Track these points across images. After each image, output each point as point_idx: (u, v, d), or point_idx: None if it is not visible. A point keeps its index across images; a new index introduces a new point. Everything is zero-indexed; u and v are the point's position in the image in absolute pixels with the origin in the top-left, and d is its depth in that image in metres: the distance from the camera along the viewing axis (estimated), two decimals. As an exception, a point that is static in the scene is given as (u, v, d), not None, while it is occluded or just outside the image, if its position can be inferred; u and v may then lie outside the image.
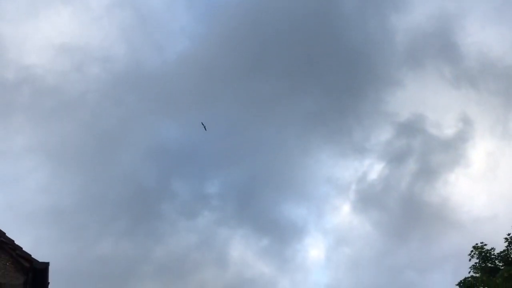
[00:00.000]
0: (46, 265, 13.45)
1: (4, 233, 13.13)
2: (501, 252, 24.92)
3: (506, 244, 24.78)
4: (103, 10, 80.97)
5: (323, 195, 79.39)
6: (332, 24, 79.30)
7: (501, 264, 24.70)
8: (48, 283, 14.02)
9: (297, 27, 79.00)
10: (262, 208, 72.81)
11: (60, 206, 58.88)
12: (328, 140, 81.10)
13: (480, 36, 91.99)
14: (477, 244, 25.46)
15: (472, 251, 25.45)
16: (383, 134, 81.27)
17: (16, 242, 13.08)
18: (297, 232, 71.10)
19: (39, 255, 13.26)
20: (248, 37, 77.33)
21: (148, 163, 71.85)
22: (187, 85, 76.32)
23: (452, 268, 48.25)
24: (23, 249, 13.05)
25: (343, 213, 76.43)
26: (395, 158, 73.07)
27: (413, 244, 63.29)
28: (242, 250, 67.96)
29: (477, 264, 25.14)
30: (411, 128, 74.01)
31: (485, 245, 25.33)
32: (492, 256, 25.02)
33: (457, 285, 25.22)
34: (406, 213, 67.29)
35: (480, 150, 75.47)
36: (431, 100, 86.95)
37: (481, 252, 25.13)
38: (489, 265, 24.89)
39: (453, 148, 72.18)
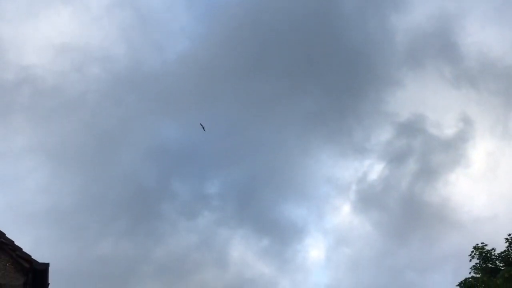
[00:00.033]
0: (46, 265, 13.43)
1: (4, 234, 13.11)
2: (501, 252, 24.90)
3: (507, 244, 24.76)
4: (103, 10, 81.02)
5: (323, 195, 79.39)
6: (332, 24, 79.38)
7: (501, 264, 24.68)
8: (48, 283, 14.00)
9: (297, 27, 79.09)
10: (262, 208, 72.82)
11: (60, 206, 58.88)
12: (328, 140, 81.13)
13: (480, 36, 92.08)
14: (477, 244, 25.46)
15: (472, 251, 25.43)
16: (383, 134, 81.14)
17: (16, 243, 13.06)
18: (297, 232, 71.07)
19: (39, 256, 13.24)
20: (248, 37, 77.39)
21: (148, 163, 71.86)
22: (187, 85, 76.38)
23: (452, 269, 48.25)
24: (23, 249, 13.02)
25: (343, 213, 76.43)
26: (395, 158, 73.05)
27: (413, 244, 63.31)
28: (242, 251, 67.97)
29: (478, 265, 25.13)
30: (411, 128, 74.01)
31: (486, 245, 25.33)
32: (493, 257, 25.01)
33: (457, 285, 25.20)
34: (407, 213, 67.30)
35: (481, 150, 75.45)
36: (431, 100, 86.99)
37: (482, 253, 25.11)
38: (490, 265, 24.87)
39: (453, 148, 72.18)
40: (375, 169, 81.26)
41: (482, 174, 74.28)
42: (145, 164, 70.82)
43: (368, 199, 71.19)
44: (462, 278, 25.16)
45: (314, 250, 78.40)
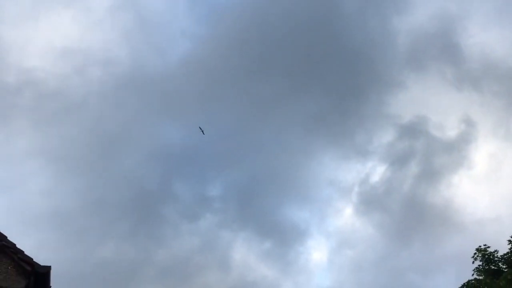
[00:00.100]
0: (48, 268, 13.41)
1: (6, 237, 13.11)
2: (504, 254, 24.80)
3: (510, 246, 24.65)
4: (104, 13, 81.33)
5: (325, 197, 79.45)
6: (334, 26, 79.47)
7: (504, 266, 24.58)
8: (50, 286, 13.98)
9: (298, 29, 79.17)
10: (264, 210, 72.83)
11: (62, 209, 58.96)
12: (330, 142, 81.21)
13: (483, 37, 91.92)
14: (480, 246, 25.36)
15: (475, 253, 25.33)
16: (386, 136, 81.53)
17: (18, 246, 13.07)
18: (300, 234, 71.11)
19: (40, 259, 13.24)
20: (249, 39, 77.50)
21: (150, 165, 71.98)
22: (189, 87, 76.55)
23: (455, 271, 48.08)
24: (25, 252, 13.02)
25: (346, 216, 76.48)
26: (398, 160, 73.09)
27: (415, 246, 63.24)
28: (245, 253, 67.95)
29: (481, 267, 25.02)
30: (413, 130, 74.04)
31: (489, 247, 25.23)
32: (496, 259, 24.91)
33: (460, 287, 25.14)
34: (409, 215, 67.21)
35: (483, 152, 75.43)
36: (433, 102, 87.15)
37: (485, 255, 25.02)
38: (493, 267, 24.77)
39: (455, 150, 72.15)
40: (377, 171, 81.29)
41: (485, 176, 74.34)
42: (147, 166, 71.02)
43: (371, 201, 71.22)
44: (465, 280, 25.10)
45: (316, 252, 78.35)
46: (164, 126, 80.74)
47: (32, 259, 13.01)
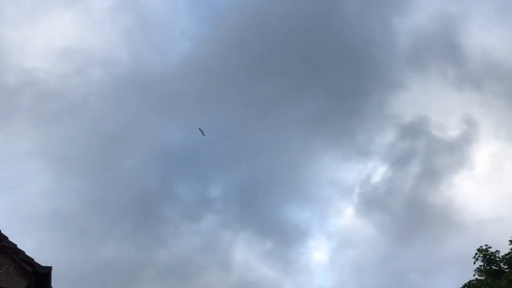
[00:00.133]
0: (48, 269, 13.42)
1: (7, 237, 13.11)
2: (506, 254, 24.74)
3: (511, 246, 24.61)
4: (105, 13, 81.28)
5: (326, 197, 79.45)
6: (335, 26, 79.39)
7: (506, 267, 24.52)
8: (51, 287, 13.98)
9: (299, 29, 79.13)
10: (265, 211, 72.79)
11: (62, 209, 58.93)
12: (331, 142, 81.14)
13: (484, 38, 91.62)
14: (481, 246, 25.31)
15: (476, 253, 25.28)
16: (387, 137, 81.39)
17: (19, 246, 13.07)
18: (301, 234, 71.09)
19: (41, 259, 13.25)
20: (250, 39, 77.47)
21: (151, 166, 71.98)
22: (189, 88, 76.53)
23: (456, 271, 48.04)
24: (26, 253, 13.03)
25: (347, 216, 76.43)
26: (399, 161, 73.05)
27: (417, 246, 63.17)
28: (246, 253, 67.92)
29: (482, 267, 24.97)
30: (414, 130, 73.97)
31: (490, 247, 25.18)
32: (497, 259, 24.86)
33: (461, 288, 25.14)
34: (410, 215, 67.16)
35: (484, 152, 75.30)
36: (434, 102, 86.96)
37: (486, 255, 24.97)
38: (494, 267, 24.72)
39: (457, 150, 72.05)
40: (378, 172, 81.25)
41: (486, 176, 74.20)
42: (147, 167, 71.02)
43: (372, 201, 71.14)
44: (466, 281, 25.06)
45: (317, 252, 78.26)
46: (164, 126, 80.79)
47: (33, 259, 13.01)
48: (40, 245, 44.79)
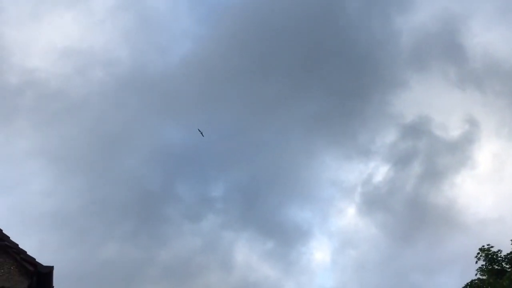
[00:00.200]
0: (50, 269, 13.43)
1: (8, 237, 13.12)
2: (508, 254, 24.74)
3: (513, 246, 24.61)
4: (106, 14, 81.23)
5: (328, 197, 79.21)
6: (336, 25, 79.26)
7: (508, 266, 24.52)
8: (53, 287, 13.99)
9: (300, 29, 79.05)
10: (266, 211, 72.64)
11: (64, 209, 58.95)
12: (333, 142, 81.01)
13: (486, 37, 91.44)
14: (483, 246, 25.30)
15: (478, 253, 25.28)
16: (388, 136, 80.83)
17: (20, 246, 13.07)
18: (302, 234, 70.85)
19: (43, 259, 13.24)
20: (251, 39, 77.47)
21: (152, 166, 71.89)
22: (190, 88, 76.49)
23: (458, 271, 48.04)
24: (28, 253, 13.03)
25: (349, 216, 76.15)
26: (401, 160, 72.79)
27: (419, 246, 63.07)
28: (247, 253, 67.82)
29: (484, 267, 24.97)
30: (416, 130, 73.75)
31: (492, 247, 25.18)
32: (499, 258, 24.85)
33: (463, 287, 25.09)
34: (412, 215, 67.00)
35: (486, 152, 75.13)
36: (436, 102, 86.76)
37: (488, 254, 24.97)
38: (496, 267, 24.72)
39: (459, 150, 71.87)
40: (380, 171, 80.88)
41: (488, 176, 74.08)
42: (148, 167, 70.96)
43: (373, 201, 70.96)
44: (468, 280, 25.05)
45: (319, 252, 78.16)
46: (165, 126, 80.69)
47: (34, 259, 13.02)
48: (42, 245, 44.88)
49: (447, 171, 72.16)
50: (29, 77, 67.79)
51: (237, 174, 77.48)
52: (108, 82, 74.81)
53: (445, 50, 79.53)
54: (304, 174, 79.06)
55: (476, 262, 25.30)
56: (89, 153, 67.86)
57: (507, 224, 52.18)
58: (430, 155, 71.94)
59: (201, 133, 45.06)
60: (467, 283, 24.95)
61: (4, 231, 13.20)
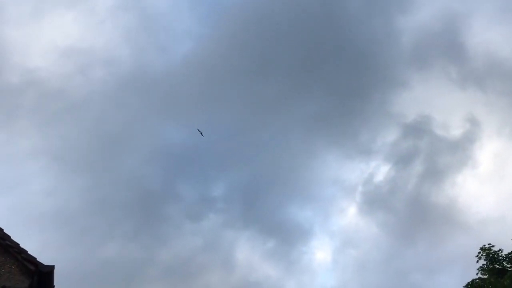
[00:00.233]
0: (51, 268, 13.43)
1: (9, 237, 13.12)
2: (509, 253, 24.75)
3: (514, 245, 24.61)
4: (107, 13, 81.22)
5: (329, 197, 79.22)
6: (337, 25, 79.34)
7: (509, 265, 24.52)
8: (54, 286, 14.00)
9: (301, 29, 79.12)
10: (267, 210, 72.67)
11: (65, 209, 59.07)
12: (334, 141, 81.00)
13: (487, 36, 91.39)
14: (484, 245, 25.31)
15: (479, 252, 25.29)
16: (389, 136, 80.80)
17: (21, 245, 13.08)
18: (303, 234, 70.87)
19: (44, 258, 13.24)
20: (252, 39, 77.52)
21: (153, 165, 71.98)
22: (191, 87, 76.54)
23: (459, 270, 47.99)
24: (28, 252, 13.04)
25: (350, 215, 76.16)
26: (402, 160, 72.81)
27: (420, 246, 63.03)
28: (248, 253, 67.86)
29: (485, 266, 24.97)
30: (417, 129, 73.77)
31: (493, 246, 25.19)
32: (500, 258, 24.85)
33: (464, 287, 25.14)
34: (413, 214, 67.02)
35: (488, 151, 75.10)
36: (437, 101, 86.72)
37: (489, 254, 24.97)
38: (497, 266, 24.72)
39: (460, 149, 71.91)
40: (381, 171, 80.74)
41: (489, 175, 74.03)
42: (149, 166, 71.06)
43: (374, 200, 70.98)
44: (469, 279, 25.05)
45: (320, 252, 78.15)
46: (166, 126, 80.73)
47: (35, 258, 13.03)
48: (43, 245, 44.88)
49: (448, 171, 72.23)
50: (30, 76, 68.00)
51: (237, 174, 77.57)
52: (109, 82, 74.99)
53: (446, 49, 79.61)
54: (305, 173, 79.12)
55: (477, 262, 25.34)
56: (90, 153, 68.02)
57: (508, 224, 52.18)
58: (431, 155, 72.01)
59: (201, 133, 45.12)
60: (468, 283, 24.95)
61: (5, 231, 13.21)
